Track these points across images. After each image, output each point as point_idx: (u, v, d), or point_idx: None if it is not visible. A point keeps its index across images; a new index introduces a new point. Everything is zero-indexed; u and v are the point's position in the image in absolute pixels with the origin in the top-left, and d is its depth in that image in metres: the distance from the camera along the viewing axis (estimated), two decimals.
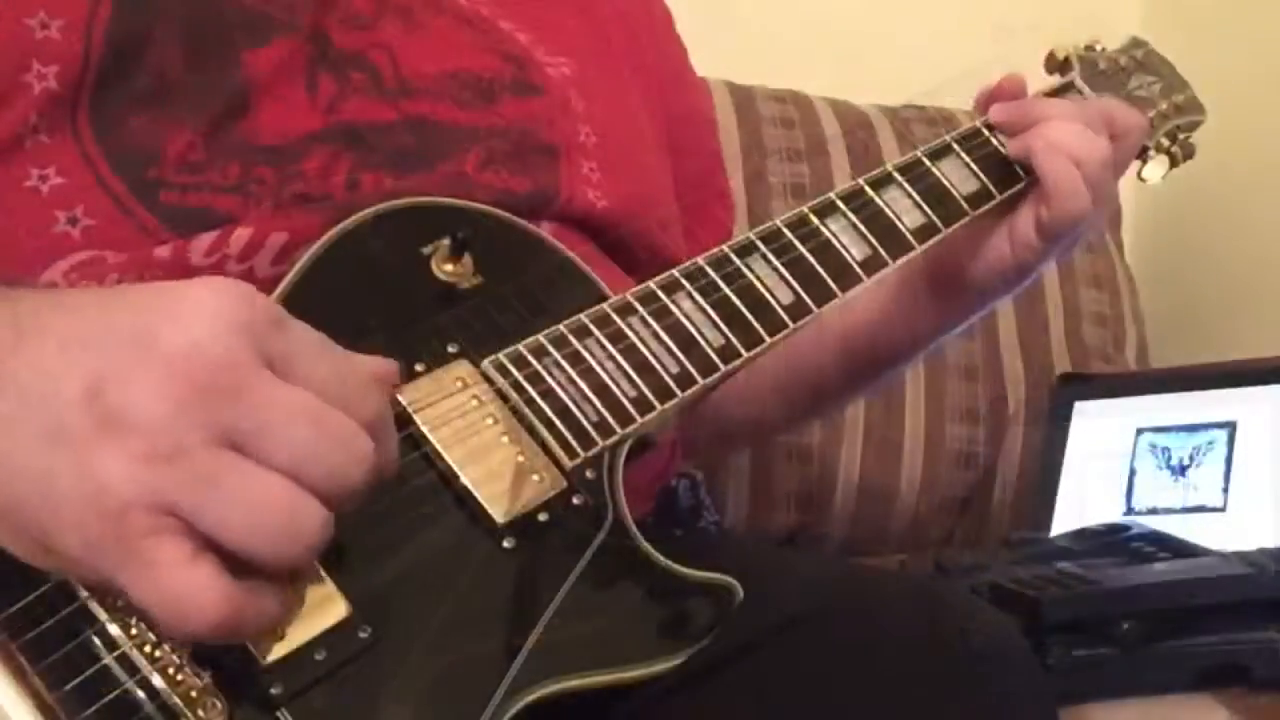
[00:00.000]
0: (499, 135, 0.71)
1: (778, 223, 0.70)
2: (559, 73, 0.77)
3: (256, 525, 0.42)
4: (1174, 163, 0.90)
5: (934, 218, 0.75)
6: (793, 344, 0.88)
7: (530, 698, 0.51)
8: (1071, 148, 0.77)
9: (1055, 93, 0.85)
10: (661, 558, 0.58)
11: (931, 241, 0.75)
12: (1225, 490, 1.19)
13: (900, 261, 0.73)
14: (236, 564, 0.43)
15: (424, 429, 0.55)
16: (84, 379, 0.42)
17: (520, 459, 0.57)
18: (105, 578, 0.43)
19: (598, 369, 0.60)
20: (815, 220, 0.71)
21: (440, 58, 0.72)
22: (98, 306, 0.45)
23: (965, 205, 0.77)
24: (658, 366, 0.62)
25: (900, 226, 0.73)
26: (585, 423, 0.59)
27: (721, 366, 0.64)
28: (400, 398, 0.55)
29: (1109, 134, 0.80)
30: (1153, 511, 1.22)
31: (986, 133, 0.80)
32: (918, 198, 0.75)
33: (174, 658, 0.45)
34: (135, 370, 0.42)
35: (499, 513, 0.55)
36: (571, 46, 0.80)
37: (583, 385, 0.59)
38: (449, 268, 0.61)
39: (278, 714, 0.47)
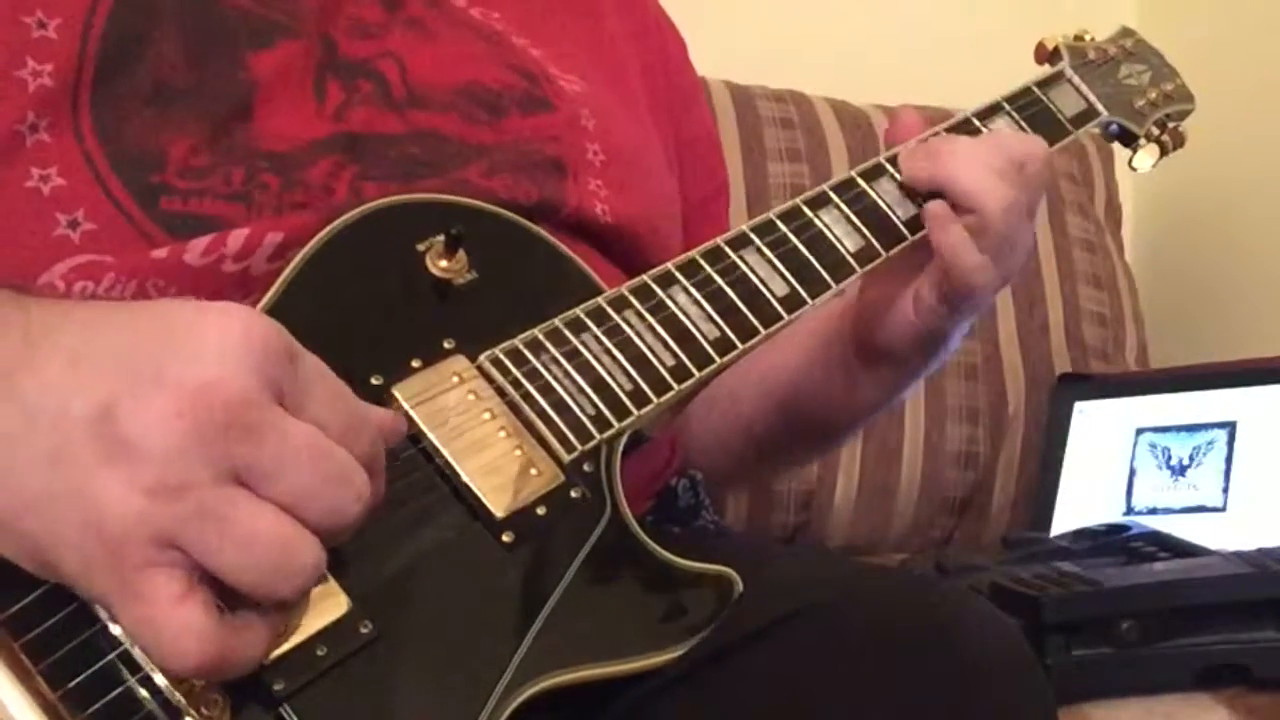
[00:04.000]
0: (505, 150, 0.71)
1: (771, 215, 0.70)
2: (571, 89, 0.77)
3: (252, 562, 0.42)
4: (1164, 151, 0.90)
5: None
6: (732, 400, 0.86)
7: (531, 690, 0.51)
8: (981, 203, 0.71)
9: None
10: (660, 550, 0.58)
11: (921, 234, 0.73)
12: (1225, 490, 1.19)
13: (893, 252, 0.72)
14: (230, 594, 0.43)
15: (421, 424, 0.55)
16: (94, 401, 0.42)
17: (518, 453, 0.57)
18: (100, 600, 0.43)
19: (594, 363, 0.60)
20: (808, 212, 0.71)
21: (451, 70, 0.72)
22: (111, 325, 0.44)
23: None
24: (653, 360, 0.62)
25: (894, 218, 0.73)
26: (582, 416, 0.59)
27: (717, 359, 0.64)
28: (397, 393, 0.56)
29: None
30: (1153, 511, 1.22)
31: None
32: (901, 192, 0.74)
33: None
34: (148, 398, 0.42)
35: (498, 507, 0.55)
36: (584, 64, 0.80)
37: (579, 379, 0.59)
38: (443, 264, 0.61)
39: (280, 710, 0.47)
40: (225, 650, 0.43)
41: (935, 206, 0.72)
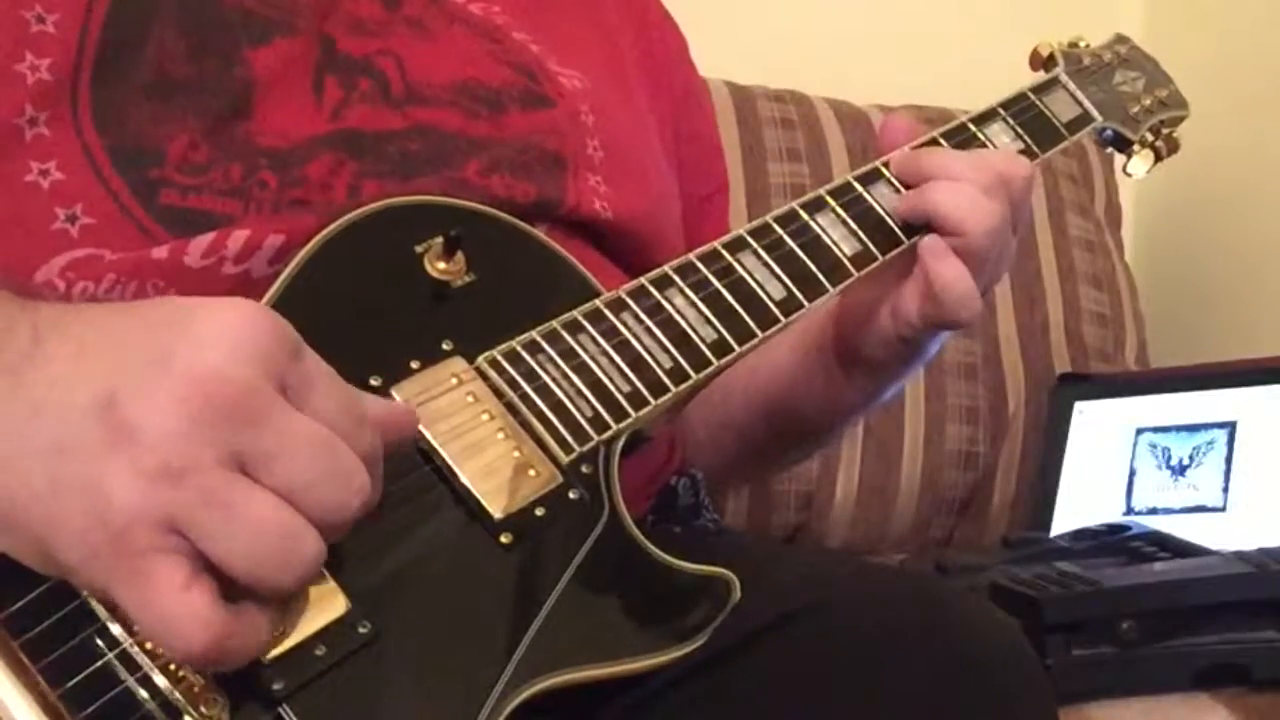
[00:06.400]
0: (504, 146, 0.71)
1: (767, 218, 0.70)
2: (571, 84, 0.77)
3: (253, 550, 0.42)
4: (1158, 157, 0.90)
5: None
6: (723, 398, 0.86)
7: (529, 691, 0.51)
8: (965, 226, 0.70)
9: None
10: (659, 551, 0.59)
11: (917, 239, 0.74)
12: (1225, 490, 1.19)
13: (890, 256, 0.72)
14: (232, 584, 0.43)
15: (420, 425, 0.55)
16: (98, 389, 0.42)
17: (516, 454, 0.57)
18: (102, 589, 0.43)
19: (591, 364, 0.60)
20: (805, 215, 0.71)
21: (450, 67, 0.72)
22: (118, 320, 0.45)
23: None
24: (651, 362, 0.62)
25: (890, 222, 0.73)
26: (580, 418, 0.59)
27: (715, 361, 0.64)
28: (395, 394, 0.56)
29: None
30: (1153, 511, 1.22)
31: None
32: (897, 196, 0.74)
33: None
34: (151, 386, 0.42)
35: (496, 508, 0.55)
36: (585, 59, 0.80)
37: (577, 381, 0.60)
38: (442, 265, 0.61)
39: (279, 709, 0.47)
40: (229, 638, 0.43)
41: (930, 241, 0.72)
